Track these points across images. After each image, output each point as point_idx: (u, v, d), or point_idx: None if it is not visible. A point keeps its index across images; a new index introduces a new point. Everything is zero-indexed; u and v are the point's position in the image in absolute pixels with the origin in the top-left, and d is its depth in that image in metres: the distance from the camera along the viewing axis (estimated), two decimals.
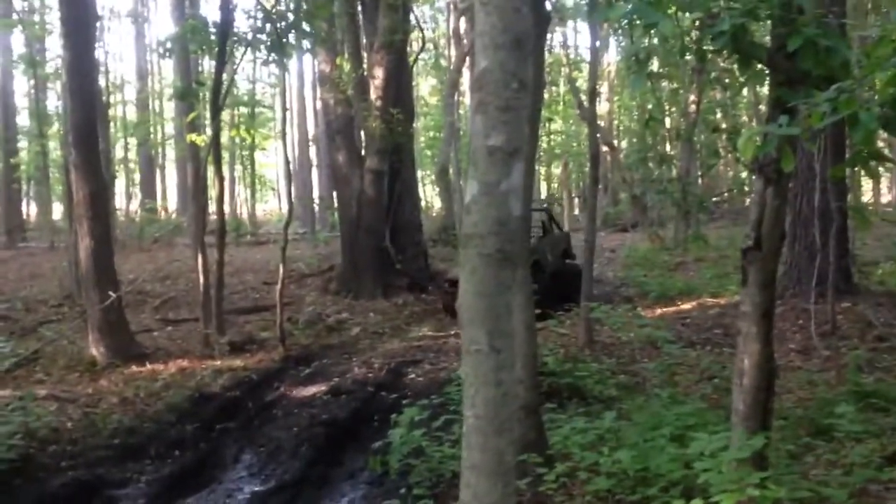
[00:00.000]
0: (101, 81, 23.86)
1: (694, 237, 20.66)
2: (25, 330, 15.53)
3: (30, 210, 39.73)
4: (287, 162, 18.52)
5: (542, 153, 39.39)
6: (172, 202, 45.22)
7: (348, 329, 15.12)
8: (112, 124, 32.04)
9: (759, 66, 4.71)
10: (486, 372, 2.75)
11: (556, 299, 14.48)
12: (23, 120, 35.78)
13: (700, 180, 27.42)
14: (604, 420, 7.33)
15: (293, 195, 16.37)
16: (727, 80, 18.62)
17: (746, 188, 35.84)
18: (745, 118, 32.34)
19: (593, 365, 10.16)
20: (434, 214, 33.20)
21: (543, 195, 47.64)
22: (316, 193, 39.46)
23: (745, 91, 29.09)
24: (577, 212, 42.09)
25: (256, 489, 8.64)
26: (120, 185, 39.64)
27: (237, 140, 33.47)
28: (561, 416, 8.20)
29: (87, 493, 8.42)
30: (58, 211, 35.29)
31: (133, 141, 41.30)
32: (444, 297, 15.45)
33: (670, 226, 26.04)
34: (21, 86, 44.11)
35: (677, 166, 24.52)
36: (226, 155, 28.15)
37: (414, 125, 21.92)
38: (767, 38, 4.96)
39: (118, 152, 37.51)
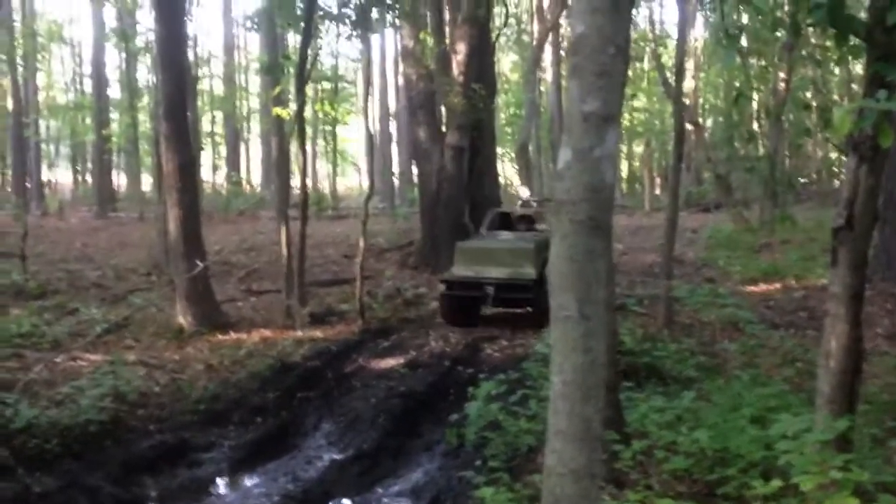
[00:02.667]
0: (190, 55, 24.38)
1: (781, 217, 20.10)
2: (115, 297, 16.09)
3: (120, 181, 40.96)
4: (369, 137, 18.67)
5: (623, 131, 38.86)
6: (256, 176, 46.13)
7: (426, 304, 15.24)
8: (199, 98, 32.77)
9: (856, 40, 4.56)
10: (574, 339, 2.76)
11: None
12: (114, 92, 36.85)
13: (788, 160, 26.67)
14: (682, 400, 7.25)
15: (374, 170, 16.52)
16: (819, 57, 18.01)
17: (836, 169, 34.72)
18: (836, 96, 31.28)
19: (672, 345, 10.04)
20: (513, 191, 33.09)
21: (624, 174, 47.00)
22: (396, 169, 39.73)
23: (836, 68, 28.11)
24: (658, 191, 41.44)
25: (335, 457, 8.82)
26: (206, 158, 40.53)
27: (320, 115, 33.87)
28: (638, 396, 8.14)
29: (172, 456, 8.71)
30: (147, 182, 36.34)
31: (219, 115, 42.20)
32: (442, 301, 13.74)
33: (755, 206, 25.44)
34: (112, 59, 45.44)
35: (765, 145, 23.90)
36: (308, 130, 28.47)
37: (495, 101, 21.83)
38: (863, 14, 4.80)
39: (205, 126, 38.36)
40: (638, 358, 9.48)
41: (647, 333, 10.59)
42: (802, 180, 32.98)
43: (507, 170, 43.69)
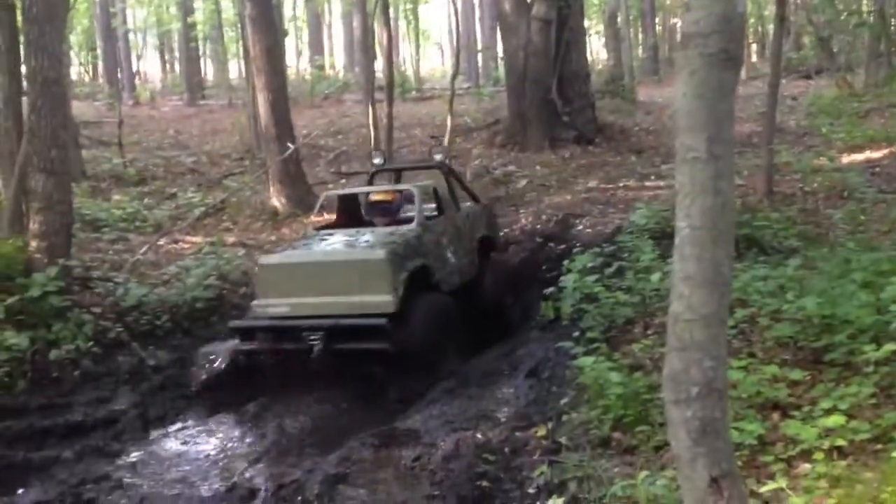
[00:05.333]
0: None
1: (891, 77, 18.99)
2: (211, 182, 16.47)
3: (207, 69, 41.29)
4: (455, 11, 18.23)
5: None
6: (340, 60, 45.89)
7: (514, 182, 15.11)
8: None
9: None
10: (703, 180, 2.65)
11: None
12: None
13: None
14: (786, 268, 7.05)
15: (458, 48, 16.19)
16: None
17: None
18: None
19: (773, 215, 9.73)
20: (601, 66, 32.13)
21: None
22: (480, 46, 38.90)
23: None
24: (753, 59, 39.67)
25: None
26: (289, 43, 40.42)
27: None
28: (738, 266, 7.95)
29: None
30: (234, 70, 36.58)
31: None
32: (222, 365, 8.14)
33: (860, 71, 24.10)
34: None
35: (869, 5, 22.43)
36: (390, 11, 27.88)
37: None
38: None
39: (286, 10, 38.08)
40: (737, 229, 9.22)
41: (747, 204, 10.28)
42: None
43: (594, 43, 42.33)
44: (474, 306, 8.98)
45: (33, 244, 8.82)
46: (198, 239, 12.33)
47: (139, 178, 16.82)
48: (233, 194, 14.90)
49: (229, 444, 6.87)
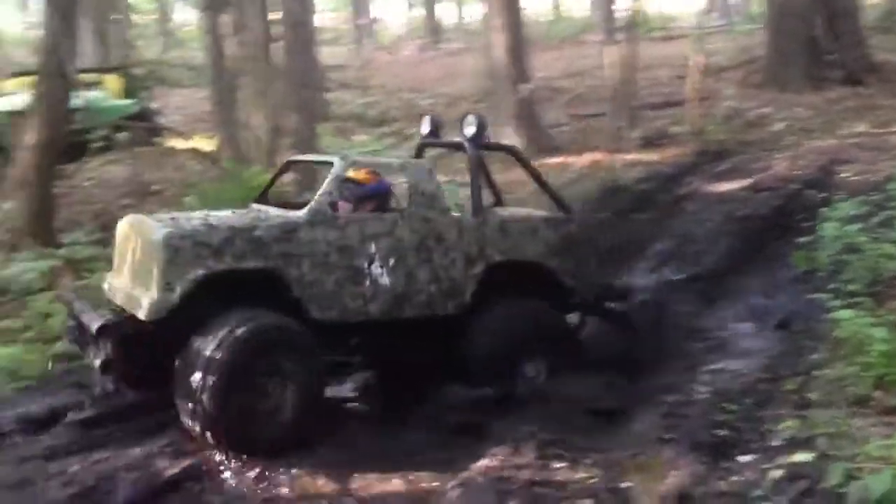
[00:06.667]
0: None
1: None
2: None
3: (443, 14, 41.76)
4: None
5: None
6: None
7: (770, 124, 14.01)
8: None
9: None
10: None
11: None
12: None
13: None
14: None
15: None
16: None
17: None
18: None
19: None
20: None
21: None
22: None
23: None
24: None
25: (670, 277, 8.57)
26: None
27: None
28: None
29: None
30: (472, 14, 36.77)
31: None
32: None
33: None
34: None
35: None
36: None
37: None
38: None
39: None
40: None
41: None
42: None
43: None
44: (442, 358, 6.23)
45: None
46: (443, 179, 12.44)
47: (379, 119, 17.32)
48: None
49: None
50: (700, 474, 4.65)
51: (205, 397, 5.11)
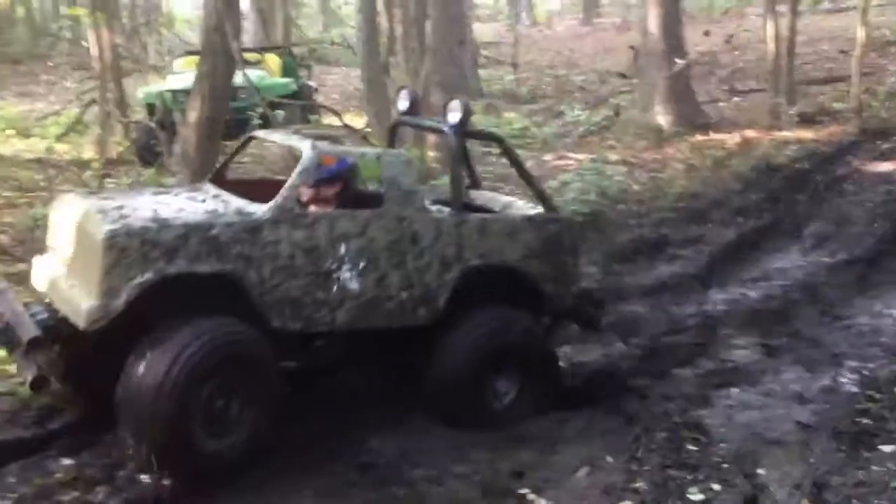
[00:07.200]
0: None
1: None
2: (598, 100, 16.47)
3: None
4: None
5: None
6: None
7: None
8: None
9: None
10: None
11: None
12: None
13: None
14: None
15: None
16: None
17: None
18: None
19: None
20: None
21: None
22: None
23: None
24: None
25: (825, 260, 8.33)
26: None
27: None
28: None
29: (651, 249, 8.83)
30: None
31: None
32: None
33: None
34: None
35: None
36: None
37: None
38: None
39: None
40: None
41: None
42: None
43: None
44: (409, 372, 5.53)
45: (430, 154, 9.45)
46: (581, 156, 12.40)
47: (531, 96, 17.32)
48: (619, 112, 14.75)
49: None
50: (838, 463, 4.56)
51: (150, 422, 4.40)
